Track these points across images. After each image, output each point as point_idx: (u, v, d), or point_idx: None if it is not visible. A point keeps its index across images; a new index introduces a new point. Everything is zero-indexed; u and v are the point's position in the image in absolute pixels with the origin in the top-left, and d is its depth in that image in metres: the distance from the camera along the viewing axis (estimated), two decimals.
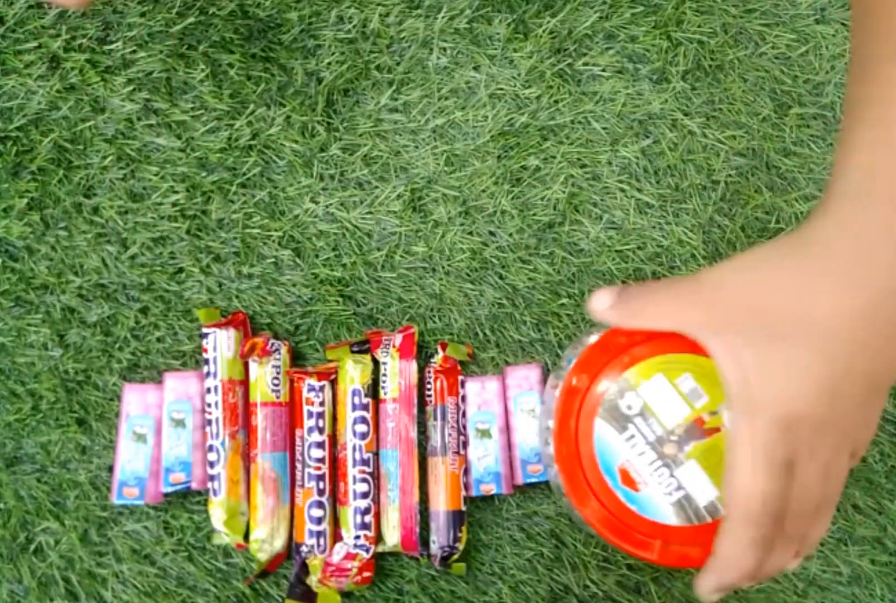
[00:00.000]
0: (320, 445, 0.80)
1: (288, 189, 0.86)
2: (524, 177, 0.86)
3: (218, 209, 0.85)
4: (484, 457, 0.81)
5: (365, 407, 0.80)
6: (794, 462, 0.54)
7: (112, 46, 0.86)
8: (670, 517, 0.67)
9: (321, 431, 0.80)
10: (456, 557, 0.80)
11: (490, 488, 0.81)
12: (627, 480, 0.67)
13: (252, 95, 0.86)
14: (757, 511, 0.54)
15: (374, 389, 0.82)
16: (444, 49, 0.87)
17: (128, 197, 0.85)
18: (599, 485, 0.67)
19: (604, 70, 0.87)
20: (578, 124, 0.87)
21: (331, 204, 0.86)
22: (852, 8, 0.58)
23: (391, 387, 0.81)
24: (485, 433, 0.81)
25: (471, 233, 0.86)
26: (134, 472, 0.80)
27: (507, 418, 0.82)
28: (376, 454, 0.81)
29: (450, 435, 0.80)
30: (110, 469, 0.83)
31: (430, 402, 0.82)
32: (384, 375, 0.81)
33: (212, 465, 0.79)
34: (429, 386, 0.82)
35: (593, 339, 0.77)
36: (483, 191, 0.86)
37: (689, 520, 0.67)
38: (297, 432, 0.81)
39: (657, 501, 0.67)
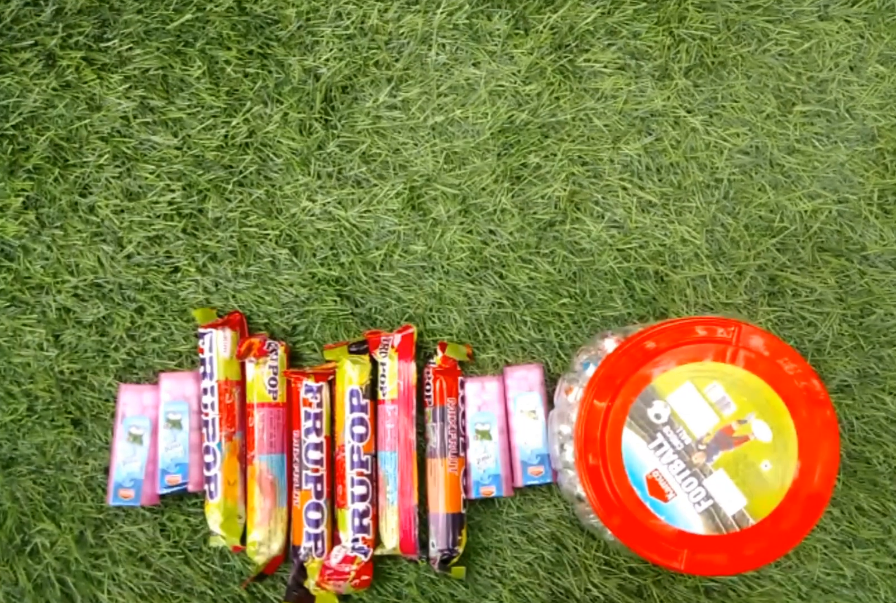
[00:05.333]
0: (318, 446, 0.79)
1: (285, 187, 0.85)
2: (524, 174, 0.86)
3: (214, 208, 0.85)
4: (484, 459, 0.81)
5: (363, 408, 0.80)
6: None
7: (108, 44, 0.86)
8: (698, 527, 0.66)
9: (319, 432, 0.79)
10: (455, 560, 0.79)
11: (490, 490, 0.80)
12: (656, 490, 0.67)
13: (249, 92, 0.86)
14: None
15: (372, 390, 0.82)
16: (444, 45, 0.86)
17: (123, 195, 0.85)
18: (628, 496, 0.67)
19: (605, 66, 0.87)
20: (580, 121, 0.86)
21: (328, 202, 0.85)
22: None
23: (390, 388, 0.80)
24: (484, 435, 0.81)
25: (470, 231, 0.85)
26: (130, 473, 0.79)
27: (507, 419, 0.82)
28: (375, 456, 0.80)
29: (449, 436, 0.80)
30: (106, 470, 0.83)
31: (430, 403, 0.81)
32: (383, 375, 0.81)
33: (208, 466, 0.79)
34: (428, 387, 0.81)
35: (610, 343, 0.77)
36: (483, 189, 0.85)
37: (717, 529, 0.66)
38: (295, 434, 0.80)
39: (685, 510, 0.66)
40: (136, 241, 0.84)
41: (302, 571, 0.79)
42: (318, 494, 0.79)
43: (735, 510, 0.66)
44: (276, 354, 0.81)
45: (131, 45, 0.86)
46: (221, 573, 0.82)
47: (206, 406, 0.79)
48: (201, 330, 0.80)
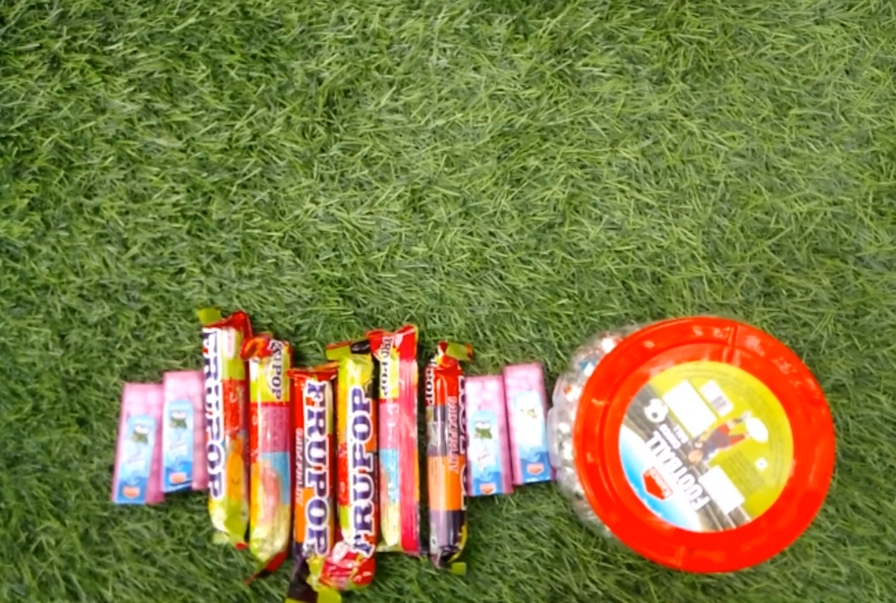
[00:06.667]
0: (321, 444, 0.80)
1: (288, 189, 0.86)
2: (524, 177, 0.86)
3: (218, 210, 0.85)
4: (484, 457, 0.81)
5: (365, 407, 0.80)
6: None
7: (113, 47, 0.86)
8: (695, 524, 0.67)
9: (321, 430, 0.80)
10: (456, 556, 0.80)
11: (490, 488, 0.81)
12: (653, 487, 0.67)
13: (252, 96, 0.86)
14: None
15: (374, 389, 0.82)
16: (445, 50, 0.87)
17: (129, 197, 0.85)
18: (625, 493, 0.67)
19: (604, 71, 0.87)
20: (578, 125, 0.87)
21: (331, 204, 0.86)
22: None
23: (391, 387, 0.81)
24: (485, 433, 0.81)
25: (471, 233, 0.86)
26: (135, 471, 0.80)
27: (507, 418, 0.82)
28: (376, 454, 0.81)
29: (450, 435, 0.80)
30: (111, 469, 0.83)
31: (431, 402, 0.82)
32: (384, 375, 0.81)
33: (212, 464, 0.79)
34: (429, 386, 0.82)
35: (608, 342, 0.77)
36: (483, 191, 0.86)
37: (713, 526, 0.67)
38: (298, 432, 0.81)
39: (682, 508, 0.67)
40: (140, 243, 0.85)
41: (305, 568, 0.80)
42: (321, 492, 0.80)
43: (731, 508, 0.67)
44: (280, 353, 0.81)
45: (136, 48, 0.86)
46: (225, 570, 0.83)
47: (210, 405, 0.80)
48: (206, 330, 0.81)
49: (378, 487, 0.81)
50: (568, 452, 0.75)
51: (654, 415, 0.68)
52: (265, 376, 0.80)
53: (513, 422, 0.82)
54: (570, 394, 0.76)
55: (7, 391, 0.84)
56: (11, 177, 0.85)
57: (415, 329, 0.82)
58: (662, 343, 0.68)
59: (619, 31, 0.88)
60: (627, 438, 0.67)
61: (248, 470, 0.81)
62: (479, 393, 0.82)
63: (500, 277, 0.86)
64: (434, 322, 0.85)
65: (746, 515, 0.67)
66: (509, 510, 0.83)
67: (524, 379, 0.82)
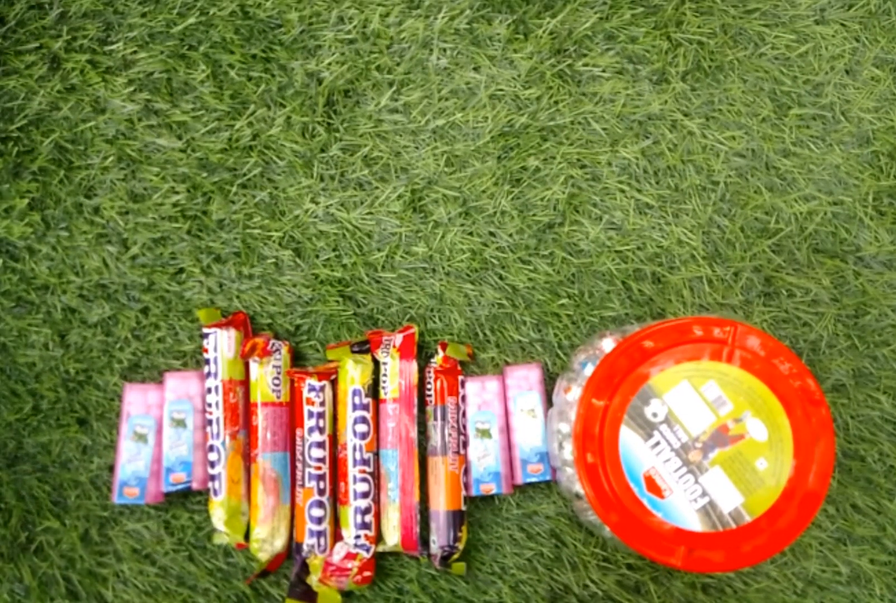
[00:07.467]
0: (321, 444, 0.80)
1: (288, 189, 0.86)
2: (524, 177, 0.86)
3: (218, 210, 0.86)
4: (484, 457, 0.81)
5: (365, 407, 0.80)
6: None
7: (113, 47, 0.86)
8: (695, 524, 0.67)
9: (321, 430, 0.80)
10: (456, 556, 0.80)
11: (490, 488, 0.81)
12: (653, 487, 0.67)
13: (252, 96, 0.86)
14: None
15: (374, 389, 0.82)
16: (445, 50, 0.87)
17: (128, 197, 0.85)
18: (625, 493, 0.67)
19: (604, 71, 0.87)
20: (578, 125, 0.87)
21: (331, 204, 0.86)
22: None
23: (391, 387, 0.81)
24: (485, 433, 0.81)
25: (471, 233, 0.86)
26: (135, 471, 0.80)
27: (507, 418, 0.82)
28: (376, 454, 0.81)
29: (450, 435, 0.80)
30: (111, 469, 0.83)
31: (431, 402, 0.82)
32: (384, 375, 0.81)
33: (212, 465, 0.79)
34: (429, 386, 0.82)
35: (608, 342, 0.77)
36: (483, 191, 0.86)
37: (713, 526, 0.67)
38: (298, 432, 0.81)
39: (682, 507, 0.67)
40: (140, 243, 0.85)
41: (305, 568, 0.80)
42: (321, 492, 0.80)
43: (731, 507, 0.67)
44: (280, 353, 0.82)
45: (136, 48, 0.86)
46: (225, 570, 0.83)
47: (210, 405, 0.80)
48: (206, 330, 0.81)
49: (378, 487, 0.81)
50: (568, 452, 0.75)
51: (654, 415, 0.68)
52: (265, 376, 0.80)
53: (513, 422, 0.82)
54: (570, 394, 0.76)
55: (7, 391, 0.84)
56: (11, 177, 0.85)
57: (415, 329, 0.83)
58: (662, 343, 0.68)
59: (619, 31, 0.88)
60: (627, 437, 0.67)
61: (248, 470, 0.81)
62: (479, 393, 0.82)
63: (500, 277, 0.86)
64: (434, 322, 0.85)
65: (746, 515, 0.67)
66: (509, 510, 0.83)
67: (524, 379, 0.82)
